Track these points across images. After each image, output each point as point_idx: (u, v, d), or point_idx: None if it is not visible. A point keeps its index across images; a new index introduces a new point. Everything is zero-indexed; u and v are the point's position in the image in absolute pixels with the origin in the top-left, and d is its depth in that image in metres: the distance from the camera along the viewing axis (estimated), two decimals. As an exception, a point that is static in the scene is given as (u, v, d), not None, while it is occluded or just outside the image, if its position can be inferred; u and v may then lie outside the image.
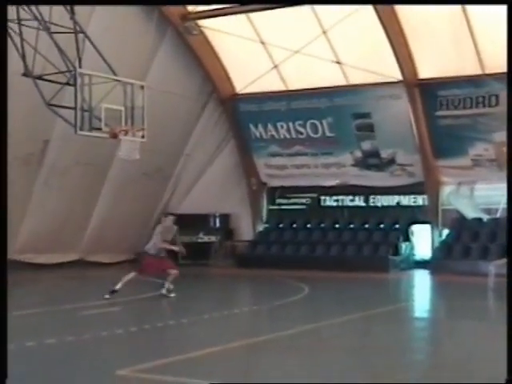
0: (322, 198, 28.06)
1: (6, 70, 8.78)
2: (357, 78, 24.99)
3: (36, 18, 16.89)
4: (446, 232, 25.61)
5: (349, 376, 8.94)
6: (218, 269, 26.45)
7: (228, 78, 27.26)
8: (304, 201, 28.34)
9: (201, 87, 27.15)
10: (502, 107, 23.35)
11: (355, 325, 13.50)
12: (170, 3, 24.04)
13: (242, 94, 27.22)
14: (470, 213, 25.37)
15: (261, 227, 28.72)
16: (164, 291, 16.61)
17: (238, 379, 8.69)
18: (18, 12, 16.65)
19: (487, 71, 23.31)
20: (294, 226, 28.18)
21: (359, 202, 27.49)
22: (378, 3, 22.24)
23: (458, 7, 22.10)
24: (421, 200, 26.34)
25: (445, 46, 23.26)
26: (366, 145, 26.14)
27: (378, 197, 27.09)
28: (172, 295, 16.54)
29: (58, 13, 17.40)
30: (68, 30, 17.39)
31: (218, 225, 28.92)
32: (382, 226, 26.77)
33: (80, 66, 16.94)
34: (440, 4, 21.71)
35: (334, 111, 26.01)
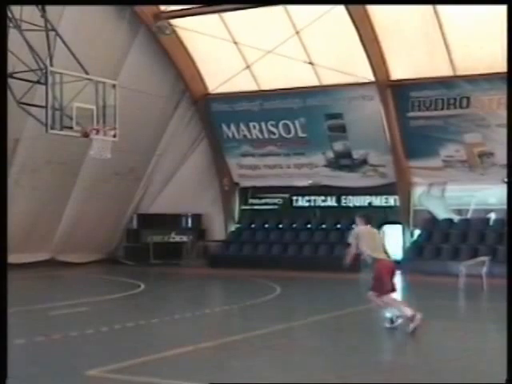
0: (294, 198, 28.09)
1: (5, 71, 8.71)
2: (329, 79, 25.05)
3: (7, 16, 16.72)
4: (417, 232, 25.72)
5: (320, 376, 8.95)
6: (190, 269, 26.38)
7: (200, 78, 27.20)
8: (276, 201, 28.36)
9: (173, 87, 27.06)
10: (473, 109, 23.55)
11: (326, 325, 13.51)
12: (146, 3, 23.90)
13: (215, 94, 27.17)
14: (441, 213, 25.52)
15: (233, 227, 28.69)
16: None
17: (210, 379, 8.66)
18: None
19: (458, 73, 23.47)
20: (266, 226, 28.19)
21: (331, 202, 27.54)
22: (367, 3, 22.29)
23: (430, 10, 22.18)
24: (392, 201, 26.43)
25: (417, 48, 23.37)
26: (338, 145, 26.20)
27: (350, 197, 27.15)
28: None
29: (29, 11, 17.27)
30: (39, 28, 17.26)
31: (190, 225, 28.88)
32: (353, 226, 26.74)
33: (51, 65, 16.83)
34: (437, 4, 21.76)
35: (307, 112, 26.04)
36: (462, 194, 25.16)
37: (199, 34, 24.73)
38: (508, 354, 7.28)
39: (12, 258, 24.37)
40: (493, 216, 24.53)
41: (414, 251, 24.71)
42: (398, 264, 24.31)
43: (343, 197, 27.28)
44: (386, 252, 13.02)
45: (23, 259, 24.78)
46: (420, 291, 20.46)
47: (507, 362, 7.19)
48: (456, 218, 25.34)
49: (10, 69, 16.83)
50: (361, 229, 13.54)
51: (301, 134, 26.47)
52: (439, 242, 24.63)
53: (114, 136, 17.46)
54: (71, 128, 16.80)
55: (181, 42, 26.10)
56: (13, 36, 16.78)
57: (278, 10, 23.61)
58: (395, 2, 21.78)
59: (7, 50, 9.23)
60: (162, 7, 24.37)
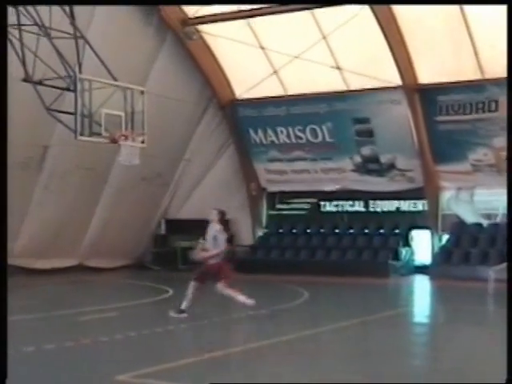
0: (322, 203, 28.03)
1: (5, 71, 8.77)
2: (356, 83, 25.00)
3: (36, 24, 16.90)
4: (445, 237, 25.59)
5: (349, 381, 8.93)
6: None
7: (228, 84, 27.26)
8: (304, 206, 28.32)
9: (200, 92, 27.16)
10: (502, 112, 23.37)
11: (355, 330, 13.49)
12: (168, 3, 23.90)
13: (242, 99, 27.22)
14: (470, 218, 25.38)
15: (260, 232, 28.69)
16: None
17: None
18: (18, 17, 16.66)
19: (486, 76, 23.35)
20: (294, 231, 28.15)
21: (359, 207, 27.46)
22: (378, 3, 22.19)
23: (457, 12, 22.12)
24: (420, 205, 26.31)
25: (444, 51, 23.29)
26: (366, 150, 26.13)
27: (378, 202, 27.06)
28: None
29: (58, 18, 17.43)
30: (68, 36, 17.40)
31: (217, 230, 28.81)
32: (381, 231, 26.75)
33: (80, 72, 16.96)
34: (440, 4, 21.66)
35: (334, 116, 26.01)
36: (490, 198, 24.99)
37: (226, 39, 24.80)
38: (508, 353, 7.24)
39: (40, 264, 24.74)
40: (522, 220, 24.33)
41: (443, 256, 24.58)
42: (426, 269, 24.66)
43: (371, 201, 27.20)
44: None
45: (51, 265, 24.98)
46: (449, 296, 20.36)
47: (507, 362, 7.15)
48: (485, 222, 25.18)
49: (39, 76, 17.08)
50: (218, 229, 14.90)
51: (328, 139, 26.43)
52: (468, 246, 24.48)
53: (143, 142, 17.55)
54: (100, 134, 16.90)
55: (208, 48, 26.20)
56: (42, 43, 16.99)
57: (304, 15, 23.64)
58: (399, 2, 21.74)
59: (7, 51, 9.23)
60: (189, 13, 24.48)
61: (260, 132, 27.52)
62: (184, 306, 14.15)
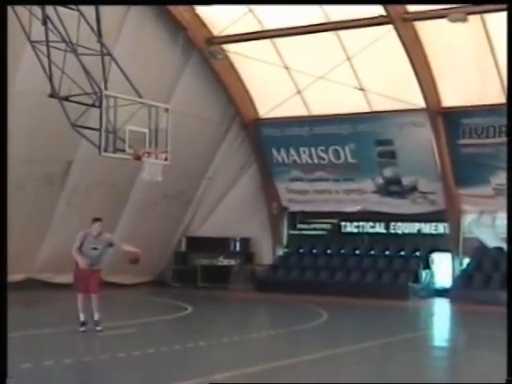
0: (343, 223, 27.99)
1: (6, 71, 8.86)
2: (380, 105, 25.02)
3: (64, 40, 17.09)
4: (466, 261, 25.47)
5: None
6: (238, 292, 26.41)
7: (251, 103, 27.37)
8: (324, 226, 28.28)
9: (224, 111, 27.27)
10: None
11: (374, 352, 13.44)
12: (173, 3, 23.77)
13: (265, 119, 27.30)
14: (492, 242, 25.23)
15: (281, 252, 28.68)
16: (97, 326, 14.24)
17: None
18: (46, 34, 16.86)
19: (511, 100, 23.27)
20: (314, 251, 28.11)
21: (380, 228, 27.41)
22: (382, 3, 22.11)
23: (482, 35, 22.13)
24: (442, 228, 26.22)
25: (469, 75, 23.28)
26: (388, 172, 26.12)
27: (399, 224, 27.00)
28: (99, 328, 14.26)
29: (85, 35, 17.62)
30: (95, 53, 17.58)
31: (238, 248, 28.91)
32: (402, 253, 26.65)
33: (106, 88, 17.10)
34: (440, 4, 21.55)
35: (357, 137, 26.02)
36: (512, 223, 24.84)
37: (251, 59, 24.94)
38: (508, 353, 7.19)
39: (61, 278, 24.79)
40: (544, 245, 24.15)
41: (463, 279, 24.46)
42: (446, 292, 24.54)
43: (392, 223, 27.12)
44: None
45: (72, 279, 24.99)
46: (469, 320, 20.25)
47: (507, 362, 7.10)
48: (506, 246, 25.03)
49: (65, 92, 17.25)
50: None
51: (350, 160, 26.44)
52: (489, 270, 24.34)
53: (166, 159, 17.63)
54: (124, 151, 17.00)
55: (233, 67, 26.35)
56: (69, 60, 17.18)
57: (329, 35, 23.75)
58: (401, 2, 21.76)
59: (7, 50, 9.29)
60: (215, 32, 24.67)
61: (282, 151, 27.57)
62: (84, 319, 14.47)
